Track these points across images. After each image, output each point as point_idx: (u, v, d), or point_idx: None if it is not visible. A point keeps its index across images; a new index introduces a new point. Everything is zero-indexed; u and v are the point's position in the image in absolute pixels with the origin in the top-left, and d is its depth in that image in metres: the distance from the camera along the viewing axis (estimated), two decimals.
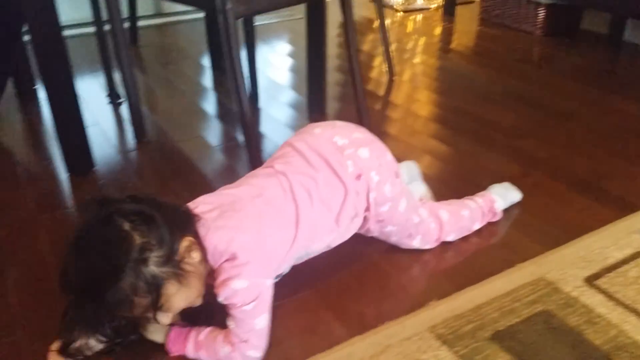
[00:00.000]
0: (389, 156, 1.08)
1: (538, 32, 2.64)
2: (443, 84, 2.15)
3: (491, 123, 1.78)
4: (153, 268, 0.79)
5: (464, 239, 1.22)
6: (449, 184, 1.44)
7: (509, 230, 1.25)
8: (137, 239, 0.78)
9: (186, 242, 0.83)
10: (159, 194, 1.39)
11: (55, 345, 0.91)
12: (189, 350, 0.92)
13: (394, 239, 1.15)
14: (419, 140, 1.68)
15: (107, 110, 1.87)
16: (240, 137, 1.70)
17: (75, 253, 0.79)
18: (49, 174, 1.49)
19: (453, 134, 1.71)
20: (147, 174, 1.52)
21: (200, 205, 0.92)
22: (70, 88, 1.39)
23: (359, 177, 1.01)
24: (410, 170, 1.33)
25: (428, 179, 1.45)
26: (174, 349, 0.93)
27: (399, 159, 1.55)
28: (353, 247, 1.12)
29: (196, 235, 0.86)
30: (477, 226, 1.23)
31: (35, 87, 2.00)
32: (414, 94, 2.05)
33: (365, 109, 1.62)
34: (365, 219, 1.06)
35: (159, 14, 2.90)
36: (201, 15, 2.75)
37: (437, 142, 1.67)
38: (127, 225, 0.78)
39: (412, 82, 2.16)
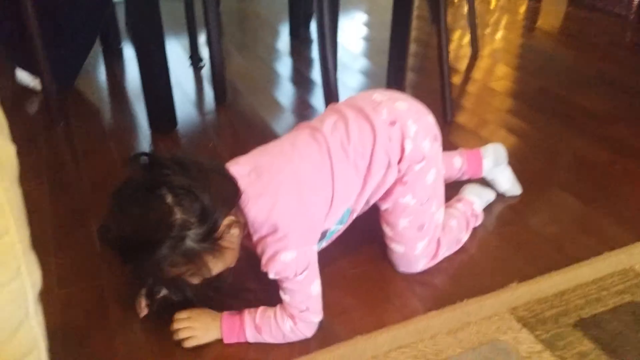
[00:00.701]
0: (430, 118, 1.00)
1: (632, 16, 2.49)
2: (525, 62, 2.06)
3: (579, 106, 1.70)
4: (190, 243, 0.77)
5: (548, 223, 1.18)
6: (525, 159, 1.39)
7: (597, 218, 1.20)
8: (179, 216, 0.75)
9: (227, 220, 0.80)
10: (235, 154, 1.41)
11: (143, 291, 0.94)
12: (250, 336, 0.90)
13: (402, 225, 1.00)
14: (496, 115, 1.63)
15: (189, 72, 1.91)
16: (315, 103, 1.70)
17: (116, 212, 0.77)
18: (133, 130, 1.54)
19: (535, 113, 1.65)
20: (225, 135, 1.55)
21: (236, 166, 0.88)
22: (160, 49, 1.41)
23: (393, 123, 0.94)
24: (497, 152, 1.24)
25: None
26: (233, 339, 0.90)
27: (474, 131, 1.52)
28: None
29: (238, 209, 0.83)
30: (465, 237, 1.12)
31: (121, 46, 2.06)
32: (494, 70, 1.98)
33: (449, 84, 1.58)
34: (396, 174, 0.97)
35: None
36: None
37: (517, 119, 1.61)
38: (170, 199, 0.75)
39: (493, 58, 2.08)
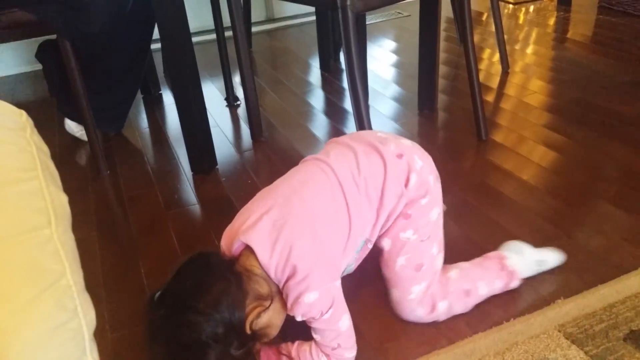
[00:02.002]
0: (431, 160, 1.00)
1: None
2: (560, 75, 2.05)
3: (616, 114, 1.67)
4: (236, 352, 0.80)
5: (590, 235, 1.16)
6: (568, 174, 1.38)
7: None
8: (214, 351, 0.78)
9: (251, 316, 0.81)
10: None
11: None
12: None
13: (400, 264, 0.96)
14: (533, 131, 1.62)
15: (225, 112, 1.97)
16: (348, 131, 1.72)
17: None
18: (176, 173, 1.60)
19: (572, 125, 1.63)
20: (264, 171, 1.58)
21: (248, 214, 0.89)
22: (198, 93, 1.47)
23: (400, 156, 0.94)
24: (510, 245, 1.09)
25: (543, 170, 1.41)
26: None
27: (512, 149, 1.52)
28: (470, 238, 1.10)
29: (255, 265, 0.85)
30: (484, 290, 1.01)
31: (160, 92, 2.15)
32: (528, 85, 1.97)
33: (481, 102, 1.58)
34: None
35: (270, 20, 3.00)
36: (309, 19, 2.82)
37: (554, 133, 1.59)
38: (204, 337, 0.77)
39: (525, 73, 2.08)
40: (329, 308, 0.85)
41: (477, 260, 1.05)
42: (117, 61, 1.72)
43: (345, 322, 0.88)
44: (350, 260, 0.95)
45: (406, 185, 0.93)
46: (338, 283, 0.88)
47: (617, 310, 0.95)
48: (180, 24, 1.39)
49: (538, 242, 1.15)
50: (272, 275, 0.84)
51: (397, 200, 0.93)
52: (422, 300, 0.97)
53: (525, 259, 1.05)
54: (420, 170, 0.95)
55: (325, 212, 0.89)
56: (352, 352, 0.90)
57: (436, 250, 0.97)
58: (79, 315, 0.57)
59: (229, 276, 0.82)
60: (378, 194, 0.92)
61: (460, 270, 1.02)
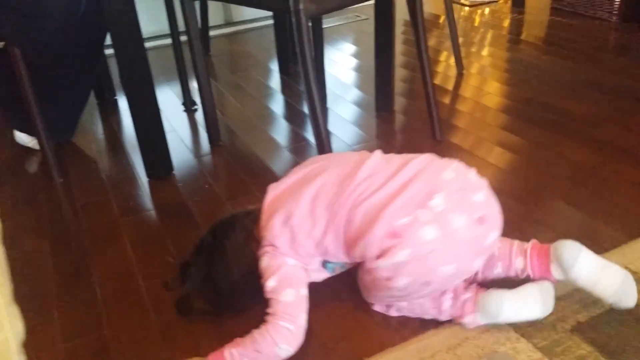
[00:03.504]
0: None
1: (614, 19, 2.52)
2: (514, 76, 2.09)
3: (567, 113, 1.72)
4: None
5: (541, 230, 1.18)
6: (522, 174, 1.41)
7: (590, 221, 1.21)
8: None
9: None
10: (235, 194, 1.45)
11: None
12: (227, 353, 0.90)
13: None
14: (489, 132, 1.65)
15: (182, 116, 1.95)
16: (310, 137, 1.73)
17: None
18: (131, 179, 1.58)
19: (526, 125, 1.67)
20: (222, 176, 1.58)
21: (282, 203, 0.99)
22: (152, 98, 1.46)
23: (394, 235, 0.89)
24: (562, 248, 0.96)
25: (500, 171, 1.43)
26: None
27: (469, 151, 1.54)
28: None
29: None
30: (430, 312, 0.98)
31: (116, 97, 2.12)
32: (484, 87, 2.01)
33: (435, 102, 1.61)
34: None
35: (228, 24, 2.99)
36: (268, 22, 2.82)
37: (509, 133, 1.63)
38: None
39: (481, 75, 2.12)
40: (270, 276, 0.94)
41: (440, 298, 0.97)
42: (68, 68, 1.69)
43: (287, 296, 0.92)
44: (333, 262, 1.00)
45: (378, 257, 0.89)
46: (292, 262, 0.96)
47: (565, 303, 0.98)
48: (132, 29, 1.37)
49: None
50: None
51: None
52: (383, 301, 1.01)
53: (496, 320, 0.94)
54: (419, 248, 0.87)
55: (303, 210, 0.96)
56: (291, 326, 0.90)
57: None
58: (4, 328, 0.57)
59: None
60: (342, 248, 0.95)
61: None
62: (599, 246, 1.11)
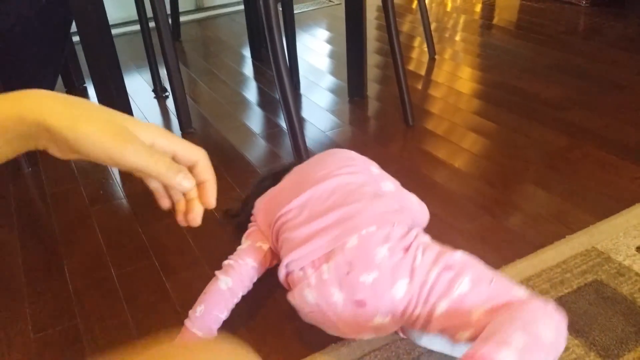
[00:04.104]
0: None
1: (584, 3, 2.56)
2: (486, 60, 2.11)
3: (537, 96, 1.74)
4: None
5: (511, 213, 1.20)
6: (495, 160, 1.42)
7: (559, 202, 1.23)
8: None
9: None
10: None
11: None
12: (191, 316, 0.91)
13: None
14: (462, 117, 1.66)
15: (153, 104, 1.93)
16: (283, 124, 1.72)
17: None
18: (101, 167, 1.55)
19: (498, 110, 1.68)
20: None
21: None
22: (120, 84, 1.44)
23: (359, 303, 0.84)
24: None
25: (473, 156, 1.45)
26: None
27: (443, 137, 1.55)
28: None
29: None
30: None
31: (85, 84, 2.08)
32: (456, 72, 2.02)
33: (406, 88, 1.61)
34: None
35: (199, 9, 2.95)
36: (240, 7, 2.79)
37: (481, 118, 1.64)
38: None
39: (454, 60, 2.13)
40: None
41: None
42: (32, 56, 1.65)
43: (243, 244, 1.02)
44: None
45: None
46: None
47: (534, 283, 1.00)
48: (98, 15, 1.35)
49: (461, 222, 1.19)
50: None
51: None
52: None
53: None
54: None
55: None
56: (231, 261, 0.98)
57: None
58: None
59: None
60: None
61: None
62: (568, 227, 1.13)
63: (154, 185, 0.54)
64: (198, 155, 0.52)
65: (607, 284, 0.97)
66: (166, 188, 0.54)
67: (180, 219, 0.54)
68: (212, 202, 0.53)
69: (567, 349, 0.86)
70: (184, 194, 0.53)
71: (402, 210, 0.94)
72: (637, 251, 1.04)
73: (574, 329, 0.89)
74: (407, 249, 0.84)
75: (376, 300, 0.81)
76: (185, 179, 0.50)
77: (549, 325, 0.72)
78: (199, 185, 0.53)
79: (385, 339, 0.91)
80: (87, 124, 0.45)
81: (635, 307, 0.92)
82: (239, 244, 1.01)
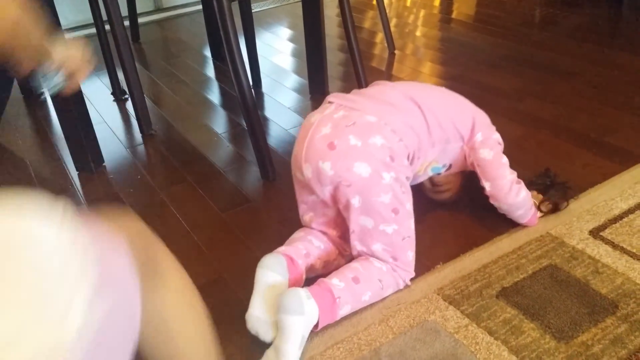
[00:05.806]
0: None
1: None
2: (445, 54, 2.14)
3: (493, 88, 1.77)
4: None
5: (468, 201, 1.22)
6: None
7: None
8: None
9: None
10: (169, 183, 1.43)
11: None
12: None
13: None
14: None
15: (112, 107, 1.90)
16: (243, 122, 1.72)
17: None
18: (60, 174, 1.53)
19: None
20: (156, 165, 1.55)
21: None
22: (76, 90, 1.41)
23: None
24: None
25: None
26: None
27: None
28: None
29: None
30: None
31: (43, 90, 2.04)
32: (417, 66, 2.04)
33: (366, 84, 1.63)
34: None
35: (158, 10, 2.92)
36: (199, 7, 2.77)
37: None
38: None
39: (415, 55, 2.15)
40: None
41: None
42: None
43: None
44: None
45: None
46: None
47: (490, 270, 1.02)
48: (49, 18, 1.32)
49: (421, 213, 1.21)
50: None
51: None
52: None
53: None
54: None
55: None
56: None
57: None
58: None
59: None
60: None
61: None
62: None
63: None
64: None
65: (561, 268, 1.00)
66: None
67: None
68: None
69: (522, 332, 0.88)
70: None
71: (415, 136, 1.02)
72: (589, 235, 1.07)
73: (530, 312, 0.92)
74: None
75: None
76: None
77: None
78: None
79: (347, 332, 0.93)
80: None
81: (589, 289, 0.95)
82: None
